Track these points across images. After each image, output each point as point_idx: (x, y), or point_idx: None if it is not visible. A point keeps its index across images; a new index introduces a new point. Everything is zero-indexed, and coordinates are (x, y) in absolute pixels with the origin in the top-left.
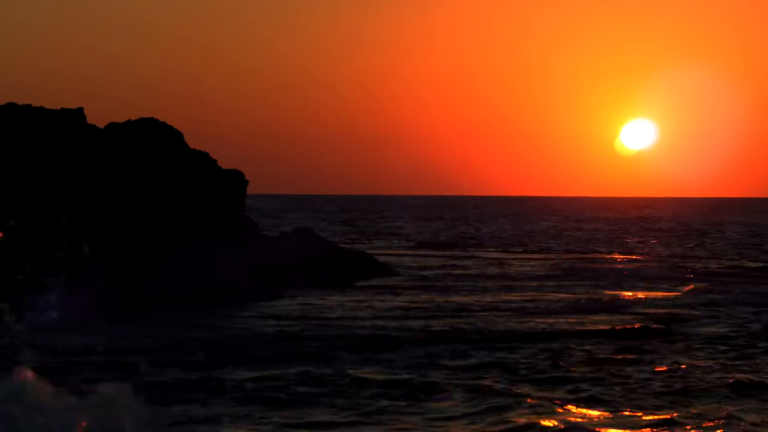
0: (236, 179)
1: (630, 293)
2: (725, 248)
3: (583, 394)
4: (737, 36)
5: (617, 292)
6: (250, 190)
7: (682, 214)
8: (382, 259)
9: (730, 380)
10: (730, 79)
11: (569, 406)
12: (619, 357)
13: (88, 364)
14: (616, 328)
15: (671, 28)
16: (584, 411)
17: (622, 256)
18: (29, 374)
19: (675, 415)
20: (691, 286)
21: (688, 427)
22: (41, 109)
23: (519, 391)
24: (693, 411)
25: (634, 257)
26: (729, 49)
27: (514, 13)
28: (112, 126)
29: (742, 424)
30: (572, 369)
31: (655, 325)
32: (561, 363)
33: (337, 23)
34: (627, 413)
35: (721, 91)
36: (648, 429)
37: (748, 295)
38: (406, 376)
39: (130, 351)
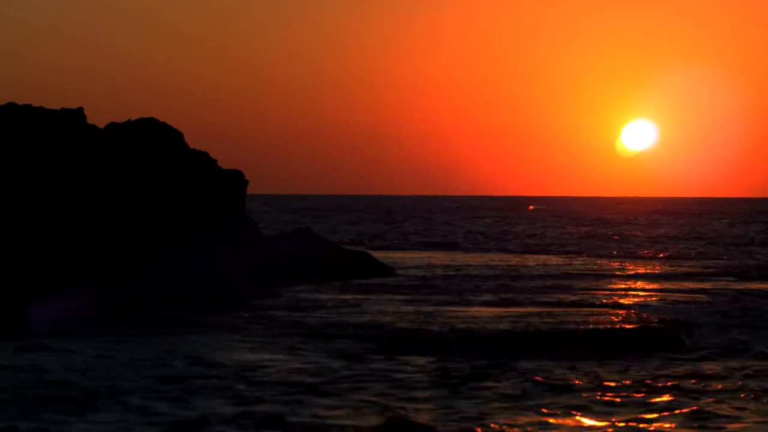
0: (236, 179)
1: None
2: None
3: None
4: (737, 37)
5: None
6: (250, 190)
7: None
8: (381, 258)
9: None
10: (730, 79)
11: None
12: None
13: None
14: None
15: (672, 30)
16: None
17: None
18: None
19: None
20: None
21: None
22: (41, 109)
23: None
24: None
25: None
26: (729, 51)
27: (518, 16)
28: (112, 126)
29: None
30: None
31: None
32: None
33: (342, 21)
34: None
35: (721, 92)
36: None
37: None
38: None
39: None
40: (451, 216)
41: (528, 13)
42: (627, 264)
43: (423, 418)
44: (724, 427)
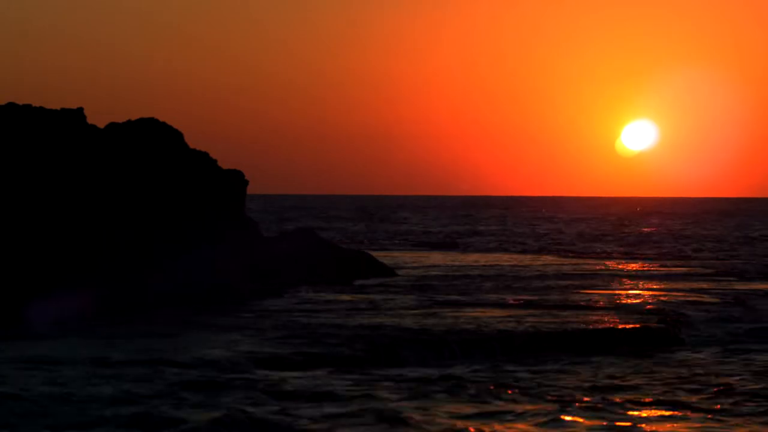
0: (236, 179)
1: None
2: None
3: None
4: (737, 37)
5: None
6: (251, 190)
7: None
8: (381, 258)
9: None
10: (730, 79)
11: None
12: None
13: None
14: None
15: (672, 30)
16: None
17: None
18: None
19: None
20: None
21: None
22: (41, 109)
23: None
24: None
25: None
26: (729, 51)
27: (518, 16)
28: (112, 126)
29: None
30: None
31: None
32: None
33: (342, 22)
34: None
35: (721, 92)
36: None
37: None
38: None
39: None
40: (451, 215)
41: (528, 13)
42: (626, 264)
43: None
44: (717, 428)
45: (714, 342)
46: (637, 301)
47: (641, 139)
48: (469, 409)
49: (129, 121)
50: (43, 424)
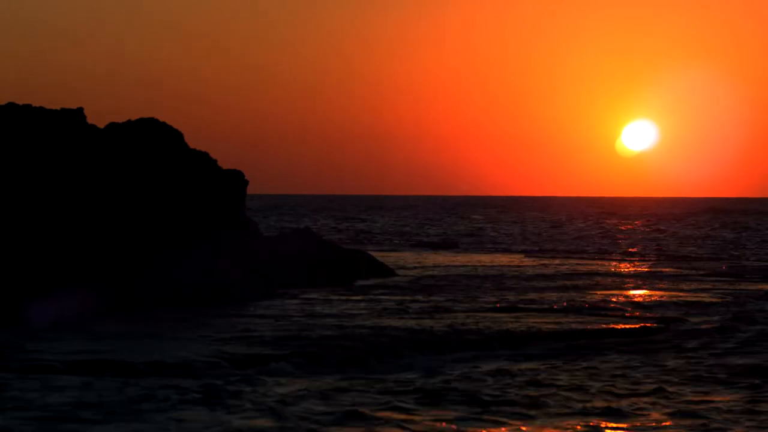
0: (236, 179)
1: None
2: None
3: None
4: (737, 37)
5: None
6: (250, 190)
7: None
8: (381, 258)
9: None
10: (730, 79)
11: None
12: None
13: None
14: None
15: (672, 30)
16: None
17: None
18: None
19: None
20: None
21: None
22: (41, 109)
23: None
24: None
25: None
26: (729, 51)
27: (519, 16)
28: (112, 126)
29: None
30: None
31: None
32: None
33: (344, 21)
34: None
35: (721, 92)
36: None
37: None
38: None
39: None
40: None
41: (528, 13)
42: (625, 264)
43: None
44: (718, 428)
45: (714, 342)
46: (637, 300)
47: (641, 139)
48: (469, 410)
49: (129, 121)
50: (40, 426)
